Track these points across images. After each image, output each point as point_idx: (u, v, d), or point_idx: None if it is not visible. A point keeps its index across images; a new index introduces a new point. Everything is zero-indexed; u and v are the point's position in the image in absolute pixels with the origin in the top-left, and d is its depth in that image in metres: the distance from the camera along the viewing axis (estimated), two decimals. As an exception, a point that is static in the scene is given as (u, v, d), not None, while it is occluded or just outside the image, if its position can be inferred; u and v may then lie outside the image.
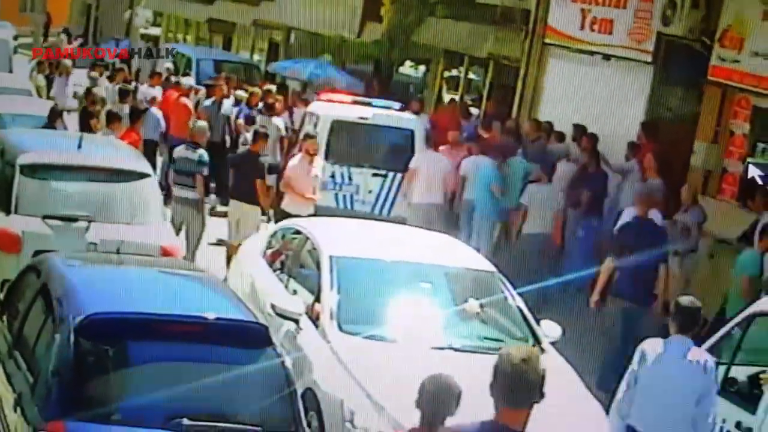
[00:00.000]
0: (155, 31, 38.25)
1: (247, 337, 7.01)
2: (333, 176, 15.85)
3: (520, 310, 9.20)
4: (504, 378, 4.62)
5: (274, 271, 10.20)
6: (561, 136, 16.67)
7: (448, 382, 5.34)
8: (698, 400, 7.37)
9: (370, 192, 16.16)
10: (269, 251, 10.63)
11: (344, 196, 16.13)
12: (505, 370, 4.62)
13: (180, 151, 13.66)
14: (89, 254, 9.59)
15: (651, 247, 10.92)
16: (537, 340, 8.84)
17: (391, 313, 8.73)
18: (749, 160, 14.65)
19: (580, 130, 16.34)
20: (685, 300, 7.77)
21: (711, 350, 8.24)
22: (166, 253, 10.27)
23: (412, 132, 16.34)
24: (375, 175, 16.18)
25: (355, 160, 16.02)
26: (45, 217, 10.29)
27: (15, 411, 6.94)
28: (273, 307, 8.89)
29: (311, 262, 9.47)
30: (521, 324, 9.03)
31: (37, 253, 9.22)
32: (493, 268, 9.76)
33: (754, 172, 14.38)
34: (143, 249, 9.74)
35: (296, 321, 8.72)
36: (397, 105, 17.85)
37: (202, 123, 14.81)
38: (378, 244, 9.66)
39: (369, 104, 17.64)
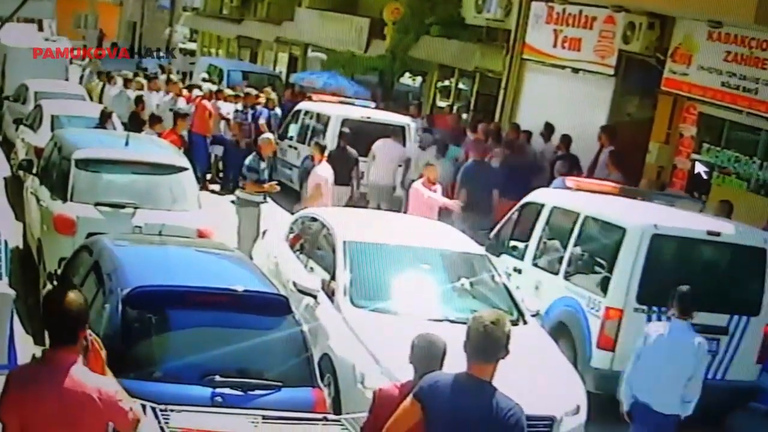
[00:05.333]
0: (192, 45, 38.04)
1: (270, 306, 6.85)
2: None
3: (506, 287, 9.03)
4: (476, 337, 4.52)
5: (295, 252, 10.00)
6: (529, 136, 16.89)
7: (433, 339, 5.19)
8: (690, 378, 7.26)
9: None
10: (291, 236, 10.43)
11: None
12: (477, 330, 4.52)
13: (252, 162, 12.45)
14: (135, 236, 9.44)
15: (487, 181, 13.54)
16: (520, 313, 8.66)
17: (395, 290, 8.55)
18: (695, 157, 14.58)
19: (549, 128, 16.81)
20: (684, 288, 7.51)
21: (504, 226, 11.15)
22: (201, 234, 10.10)
23: (403, 128, 16.51)
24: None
25: (361, 151, 15.78)
26: (97, 204, 10.14)
27: (70, 371, 6.77)
28: (294, 284, 8.73)
29: (327, 246, 9.26)
30: (506, 299, 8.84)
31: (89, 234, 9.04)
32: (483, 251, 9.57)
33: (699, 168, 14.38)
34: (182, 231, 9.58)
35: (314, 296, 8.55)
36: (372, 104, 17.95)
37: (267, 135, 13.56)
38: (384, 231, 9.47)
39: (351, 103, 17.65)
